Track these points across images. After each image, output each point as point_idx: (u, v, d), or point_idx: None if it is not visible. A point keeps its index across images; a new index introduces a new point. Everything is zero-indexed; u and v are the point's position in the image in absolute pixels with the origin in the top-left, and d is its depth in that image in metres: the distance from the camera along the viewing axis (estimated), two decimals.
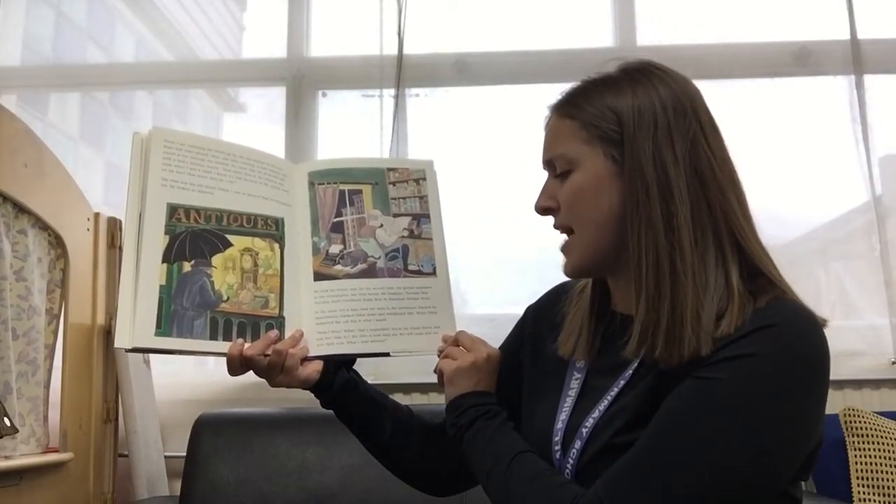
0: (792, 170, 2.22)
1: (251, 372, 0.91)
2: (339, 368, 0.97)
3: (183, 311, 0.88)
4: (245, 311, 0.92)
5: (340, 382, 0.96)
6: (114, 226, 2.00)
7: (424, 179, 1.04)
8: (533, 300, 1.05)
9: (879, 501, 1.80)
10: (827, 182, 2.24)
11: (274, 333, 0.91)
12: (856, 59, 2.28)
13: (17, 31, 2.50)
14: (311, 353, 0.93)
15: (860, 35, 2.30)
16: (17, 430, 1.59)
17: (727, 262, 0.78)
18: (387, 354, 0.96)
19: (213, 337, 0.89)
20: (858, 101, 2.27)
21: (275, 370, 0.90)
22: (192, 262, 0.91)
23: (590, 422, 0.81)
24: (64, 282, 1.81)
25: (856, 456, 1.84)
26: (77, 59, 2.71)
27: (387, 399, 1.02)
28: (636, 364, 0.81)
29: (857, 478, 1.83)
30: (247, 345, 0.89)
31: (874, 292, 2.18)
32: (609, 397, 0.81)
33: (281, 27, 2.45)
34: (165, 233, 0.90)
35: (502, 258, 2.25)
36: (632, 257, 0.80)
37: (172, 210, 0.91)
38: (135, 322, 0.86)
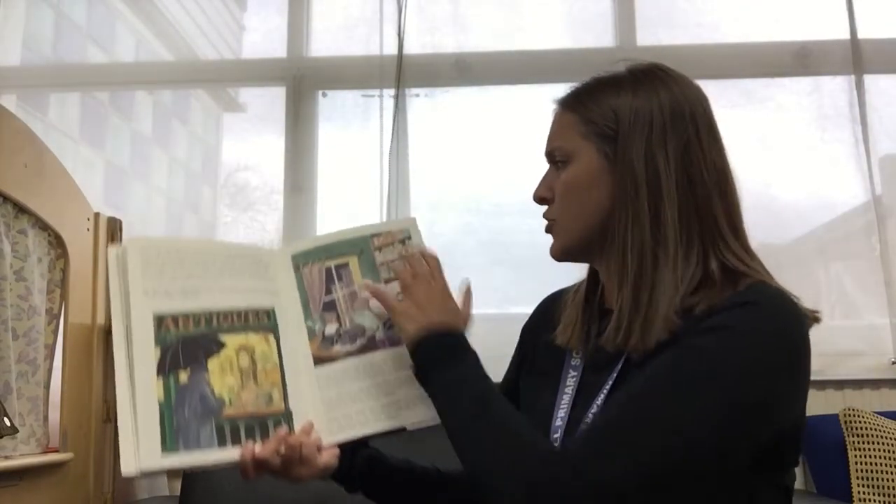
0: (792, 170, 2.23)
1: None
2: (356, 447, 0.95)
3: (187, 423, 0.85)
4: (250, 412, 0.88)
5: (361, 462, 0.96)
6: (114, 226, 2.00)
7: (409, 238, 0.99)
8: (532, 300, 1.05)
9: (879, 501, 1.80)
10: (827, 182, 2.24)
11: (283, 430, 0.88)
12: (856, 59, 2.28)
13: (17, 31, 2.49)
14: (325, 442, 0.89)
15: (860, 35, 2.29)
16: (17, 430, 1.59)
17: (708, 262, 0.80)
18: (403, 429, 0.92)
19: (222, 444, 0.86)
20: (858, 101, 2.27)
21: (293, 465, 0.87)
22: (188, 369, 0.87)
23: (589, 417, 0.82)
24: (64, 282, 1.81)
25: (856, 456, 1.84)
26: (77, 59, 2.70)
27: (412, 464, 1.01)
28: (624, 358, 0.81)
29: (857, 478, 1.83)
30: (257, 447, 0.86)
31: (874, 292, 2.17)
32: (604, 393, 0.82)
33: (281, 27, 2.45)
34: (156, 344, 0.87)
35: (502, 258, 2.25)
36: (617, 250, 0.81)
37: (160, 320, 0.88)
38: (139, 443, 0.82)
